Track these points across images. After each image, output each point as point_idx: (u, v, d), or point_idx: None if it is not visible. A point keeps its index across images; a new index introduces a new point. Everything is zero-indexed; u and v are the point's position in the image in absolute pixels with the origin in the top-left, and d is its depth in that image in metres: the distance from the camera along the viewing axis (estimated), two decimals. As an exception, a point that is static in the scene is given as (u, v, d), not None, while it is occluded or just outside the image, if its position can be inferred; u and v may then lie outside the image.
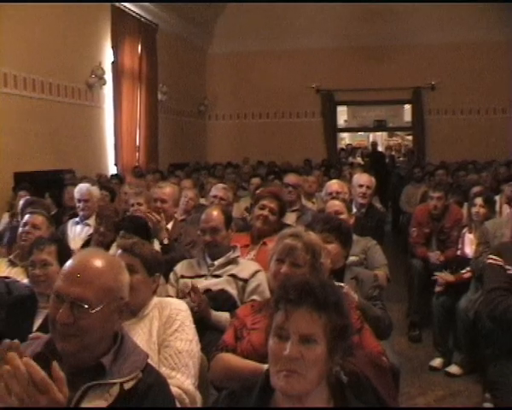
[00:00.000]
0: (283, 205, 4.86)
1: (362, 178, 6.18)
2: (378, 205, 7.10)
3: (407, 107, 18.70)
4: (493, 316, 3.62)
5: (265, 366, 2.19)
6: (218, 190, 6.17)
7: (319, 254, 2.89)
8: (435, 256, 6.19)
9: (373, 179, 6.25)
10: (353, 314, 2.78)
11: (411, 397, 4.86)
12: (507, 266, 3.61)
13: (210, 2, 15.37)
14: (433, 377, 5.34)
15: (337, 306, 1.84)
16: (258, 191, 5.76)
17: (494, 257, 3.70)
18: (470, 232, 5.78)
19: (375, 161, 16.06)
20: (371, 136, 23.71)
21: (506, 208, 6.28)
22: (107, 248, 4.36)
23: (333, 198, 5.06)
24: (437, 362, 5.51)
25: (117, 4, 11.44)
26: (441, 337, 5.63)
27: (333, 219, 3.80)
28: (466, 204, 6.52)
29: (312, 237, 2.96)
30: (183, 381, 2.59)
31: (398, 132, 23.82)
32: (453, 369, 5.33)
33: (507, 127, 16.31)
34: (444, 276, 5.58)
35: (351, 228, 3.93)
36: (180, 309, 2.84)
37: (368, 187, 6.05)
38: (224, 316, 3.50)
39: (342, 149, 19.40)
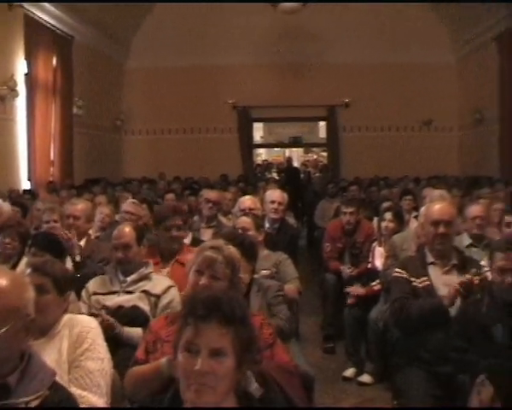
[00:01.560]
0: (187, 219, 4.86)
1: (274, 195, 6.26)
2: (291, 220, 7.18)
3: (322, 124, 19.09)
4: (398, 324, 3.80)
5: (163, 360, 2.37)
6: (128, 205, 6.12)
7: (238, 268, 2.93)
8: (347, 271, 6.30)
9: (285, 195, 6.35)
10: (266, 330, 2.83)
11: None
12: (412, 279, 3.79)
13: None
14: (347, 386, 5.45)
15: (243, 319, 1.89)
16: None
17: (399, 270, 3.88)
18: (380, 246, 5.92)
19: (290, 177, 16.28)
20: (287, 152, 24.03)
21: (414, 222, 6.50)
22: (18, 260, 4.28)
23: (245, 214, 5.07)
24: (350, 372, 5.62)
25: (30, 15, 11.11)
26: (353, 348, 5.75)
27: (236, 234, 3.85)
28: (376, 219, 6.70)
29: (232, 250, 2.98)
30: (94, 401, 2.55)
31: (314, 149, 24.20)
32: (365, 378, 5.47)
33: (421, 145, 16.94)
34: (355, 289, 5.74)
35: (255, 243, 3.98)
36: (91, 327, 2.79)
37: (280, 203, 6.15)
38: (136, 332, 3.48)
39: (258, 165, 19.57)
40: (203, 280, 2.82)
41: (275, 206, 6.09)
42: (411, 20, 16.24)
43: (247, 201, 5.81)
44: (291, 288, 4.43)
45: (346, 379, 5.57)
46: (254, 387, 2.03)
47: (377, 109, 16.81)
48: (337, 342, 6.39)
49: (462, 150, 17.15)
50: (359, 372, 5.57)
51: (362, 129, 17.40)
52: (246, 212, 5.33)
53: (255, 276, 3.75)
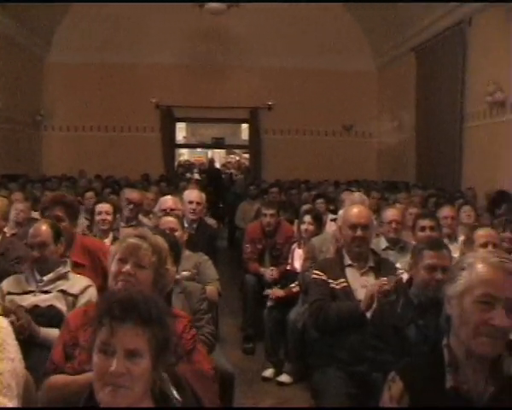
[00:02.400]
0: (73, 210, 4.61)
1: (192, 195, 6.26)
2: (210, 221, 7.20)
3: (245, 126, 19.20)
4: (316, 325, 3.88)
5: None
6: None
7: (165, 259, 2.82)
8: (269, 273, 6.35)
9: (203, 196, 6.36)
10: (187, 334, 2.79)
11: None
12: (329, 280, 3.88)
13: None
14: (266, 386, 5.50)
15: (160, 320, 1.87)
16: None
17: (317, 272, 3.96)
18: (300, 248, 6.01)
19: (212, 178, 16.33)
20: (210, 153, 24.04)
21: (330, 225, 6.62)
22: None
23: (166, 214, 5.02)
24: (269, 372, 5.67)
25: None
26: (273, 349, 5.81)
27: (162, 234, 3.83)
28: (296, 221, 6.79)
29: (159, 240, 2.88)
30: (5, 403, 2.46)
31: (236, 150, 24.32)
32: (284, 378, 5.52)
33: (341, 149, 17.29)
34: (274, 292, 5.81)
35: (180, 244, 3.98)
36: (1, 326, 2.70)
37: (198, 203, 6.15)
38: (52, 332, 3.40)
39: (180, 165, 19.48)
40: (127, 268, 2.66)
41: (193, 206, 6.09)
42: (335, 27, 16.57)
43: (168, 201, 5.74)
44: (211, 290, 4.43)
45: (265, 379, 5.62)
46: (174, 397, 2.02)
47: (299, 113, 17.07)
48: (257, 343, 6.43)
49: (380, 156, 17.65)
50: (278, 373, 5.61)
51: (284, 132, 17.62)
52: (167, 212, 5.29)
53: (176, 277, 3.73)
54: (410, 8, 13.28)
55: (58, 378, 2.56)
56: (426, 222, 5.10)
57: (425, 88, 13.74)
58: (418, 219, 5.25)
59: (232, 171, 21.90)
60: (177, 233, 4.45)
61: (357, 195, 6.34)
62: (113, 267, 2.74)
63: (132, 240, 2.75)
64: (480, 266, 1.96)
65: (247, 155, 20.38)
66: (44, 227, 3.82)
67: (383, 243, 5.35)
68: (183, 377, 2.12)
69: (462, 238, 5.17)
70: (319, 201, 7.79)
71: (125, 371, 1.76)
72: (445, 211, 5.88)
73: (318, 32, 16.36)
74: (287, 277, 5.96)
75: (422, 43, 13.86)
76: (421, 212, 5.97)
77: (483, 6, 10.86)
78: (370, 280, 3.93)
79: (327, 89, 16.93)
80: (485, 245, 4.04)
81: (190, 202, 6.12)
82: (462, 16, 11.72)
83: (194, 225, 6.10)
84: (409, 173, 14.48)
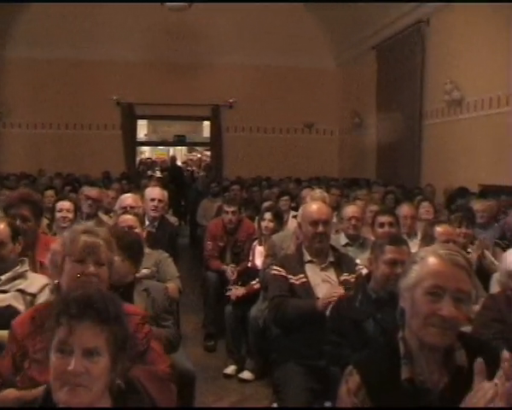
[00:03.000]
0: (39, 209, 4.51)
1: (153, 192, 6.24)
2: (172, 218, 7.18)
3: (206, 123, 19.12)
4: (275, 321, 3.91)
5: (41, 390, 2.07)
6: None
7: (114, 250, 2.79)
8: (230, 272, 6.36)
9: (165, 193, 6.34)
10: (140, 333, 2.75)
11: (207, 405, 4.99)
12: (289, 276, 3.91)
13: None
14: (228, 383, 5.52)
15: (118, 318, 1.86)
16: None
17: (277, 268, 3.99)
18: (260, 245, 6.03)
19: (173, 176, 16.24)
20: (171, 150, 23.92)
21: (293, 222, 6.64)
22: None
23: (125, 212, 5.00)
24: (230, 369, 5.68)
25: None
26: (234, 346, 5.83)
27: (122, 232, 3.81)
28: (257, 218, 6.81)
29: (105, 231, 2.83)
30: None
31: (198, 148, 24.26)
32: (245, 375, 5.55)
33: (303, 147, 17.40)
34: (235, 292, 5.80)
35: (141, 242, 3.96)
36: None
37: (160, 200, 6.14)
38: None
39: (142, 163, 19.34)
40: (91, 269, 2.58)
41: (154, 203, 6.08)
42: (296, 26, 16.63)
43: (128, 199, 5.70)
44: (171, 287, 4.42)
45: (227, 376, 5.63)
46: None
47: (261, 111, 17.09)
48: (218, 340, 6.44)
49: (341, 153, 17.80)
50: (240, 369, 5.64)
51: (245, 130, 17.63)
52: (126, 210, 5.26)
53: (136, 275, 3.71)
54: (370, 7, 13.40)
55: (7, 394, 2.43)
56: (385, 218, 5.18)
57: (385, 86, 13.89)
58: (377, 215, 5.32)
59: (194, 168, 21.82)
60: (136, 231, 4.43)
61: (317, 192, 6.39)
62: (70, 270, 2.63)
63: (87, 238, 2.64)
64: (429, 259, 2.01)
65: (208, 153, 20.33)
66: (2, 226, 3.76)
67: (343, 240, 5.40)
68: (137, 381, 2.08)
69: (420, 234, 5.25)
70: (284, 198, 7.82)
71: (84, 370, 1.75)
72: (404, 208, 5.97)
73: (280, 30, 16.38)
74: (248, 274, 5.98)
75: (382, 42, 14.02)
76: (380, 208, 6.05)
77: (441, 6, 11.05)
78: (330, 275, 3.98)
79: (288, 87, 16.99)
80: (446, 242, 4.10)
81: (152, 200, 6.10)
82: (421, 16, 11.91)
83: (156, 223, 6.09)
84: (369, 170, 14.64)
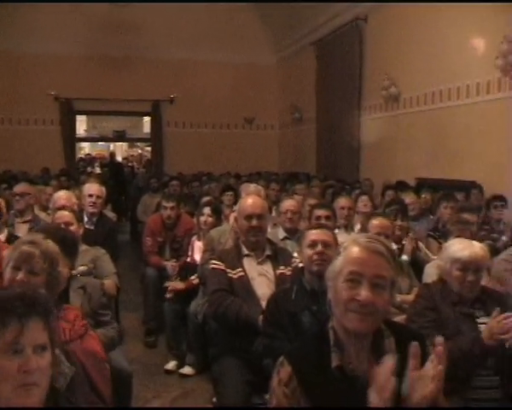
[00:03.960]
0: None
1: (91, 188, 6.19)
2: (111, 214, 7.11)
3: (146, 119, 18.98)
4: (216, 315, 3.91)
5: None
6: None
7: (57, 262, 2.87)
8: (171, 267, 6.35)
9: (103, 189, 6.28)
10: (79, 322, 2.85)
11: (147, 401, 4.98)
12: (227, 270, 3.93)
13: None
14: (168, 379, 5.51)
15: (53, 312, 1.88)
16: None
17: (216, 262, 4.01)
18: (199, 240, 6.03)
19: (113, 172, 16.06)
20: (112, 146, 23.65)
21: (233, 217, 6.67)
22: None
23: (60, 209, 4.92)
24: (171, 365, 5.69)
25: None
26: (174, 341, 5.84)
27: (56, 229, 3.76)
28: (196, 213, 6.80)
29: (50, 245, 2.91)
30: None
31: (138, 143, 24.05)
32: (186, 370, 5.56)
33: (243, 142, 17.47)
34: (174, 285, 5.81)
35: (76, 238, 3.92)
36: None
37: (98, 197, 6.09)
38: None
39: (81, 159, 19.06)
40: (20, 276, 2.75)
41: (92, 199, 6.03)
42: (237, 22, 16.68)
43: (60, 199, 5.62)
44: (109, 283, 4.39)
45: (167, 372, 5.63)
46: (66, 366, 2.04)
47: (201, 106, 17.06)
48: (159, 336, 6.43)
49: (282, 148, 17.94)
50: (181, 365, 5.65)
51: (186, 125, 17.58)
52: (60, 207, 5.18)
53: (73, 272, 3.67)
54: (309, 4, 13.53)
55: None
56: (321, 212, 5.26)
57: (324, 81, 14.06)
58: (314, 209, 5.40)
59: (134, 164, 21.62)
60: (72, 227, 4.39)
61: (251, 186, 6.44)
62: (7, 274, 2.81)
63: (25, 247, 2.82)
64: (350, 248, 2.06)
65: (149, 149, 20.18)
66: None
67: (281, 234, 5.46)
68: (74, 354, 2.16)
69: (358, 227, 5.35)
70: (228, 193, 7.82)
71: (36, 366, 1.75)
72: (341, 201, 6.09)
73: (221, 26, 16.39)
74: (186, 269, 5.98)
75: (322, 38, 14.16)
76: (317, 202, 6.13)
77: (379, 4, 11.23)
78: (267, 269, 4.02)
79: (229, 82, 16.97)
80: (378, 235, 4.19)
81: (90, 196, 6.06)
82: (359, 13, 12.08)
83: (94, 219, 6.04)
84: (310, 165, 14.80)
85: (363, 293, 1.95)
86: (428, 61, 9.77)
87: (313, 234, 3.49)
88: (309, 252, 3.41)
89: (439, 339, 1.81)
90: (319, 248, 3.38)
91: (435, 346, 1.81)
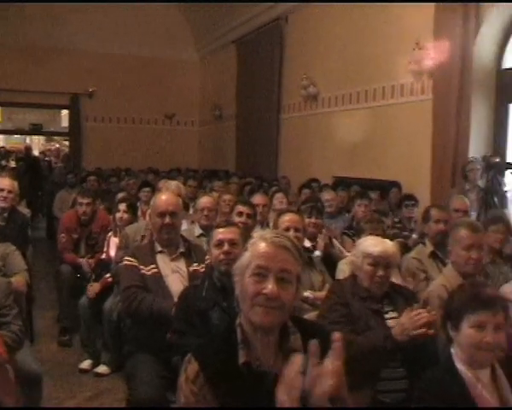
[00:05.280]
0: None
1: (2, 183, 6.02)
2: (25, 210, 6.97)
3: (65, 112, 18.57)
4: (129, 311, 3.90)
5: None
6: None
7: None
8: (87, 264, 6.29)
9: (15, 183, 6.13)
10: None
11: (61, 401, 4.91)
12: (140, 266, 3.93)
13: None
14: (83, 378, 5.44)
15: None
16: None
17: (129, 258, 4.00)
18: (115, 236, 5.97)
19: (29, 166, 15.63)
20: (28, 139, 23.01)
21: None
22: None
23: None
24: (86, 364, 5.62)
25: None
26: (89, 340, 5.75)
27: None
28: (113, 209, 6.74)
29: None
30: None
31: (56, 137, 23.50)
32: (101, 369, 5.51)
33: (164, 138, 17.43)
34: (91, 289, 5.67)
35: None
36: None
37: (9, 191, 5.94)
38: None
39: (-5, 152, 18.47)
40: None
41: (4, 194, 5.88)
42: (159, 16, 16.63)
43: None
44: (19, 280, 4.31)
45: (82, 371, 5.57)
46: None
47: (122, 101, 16.89)
48: (73, 335, 6.33)
49: (202, 145, 17.97)
50: (96, 364, 5.59)
51: (105, 120, 17.32)
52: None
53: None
54: (232, 3, 13.58)
55: None
56: (244, 208, 5.25)
57: (245, 79, 14.16)
58: (236, 204, 5.42)
59: (52, 159, 21.07)
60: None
61: (173, 183, 6.42)
62: None
63: None
64: (257, 244, 2.09)
65: (67, 143, 19.73)
66: None
67: (198, 230, 5.47)
68: None
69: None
70: (146, 189, 7.76)
71: None
72: (257, 198, 6.17)
73: (142, 20, 16.29)
74: (101, 266, 5.89)
75: (243, 37, 14.26)
76: (237, 198, 6.18)
77: (299, 5, 11.40)
78: (181, 266, 4.04)
79: (150, 77, 16.91)
80: (287, 229, 4.28)
81: (1, 190, 5.90)
82: (280, 13, 12.23)
83: (6, 214, 5.89)
84: (230, 162, 14.87)
85: (270, 286, 1.98)
86: (345, 62, 9.99)
87: (220, 233, 3.52)
88: (216, 252, 3.45)
89: (337, 335, 1.87)
90: (226, 247, 3.42)
91: (333, 342, 1.87)
